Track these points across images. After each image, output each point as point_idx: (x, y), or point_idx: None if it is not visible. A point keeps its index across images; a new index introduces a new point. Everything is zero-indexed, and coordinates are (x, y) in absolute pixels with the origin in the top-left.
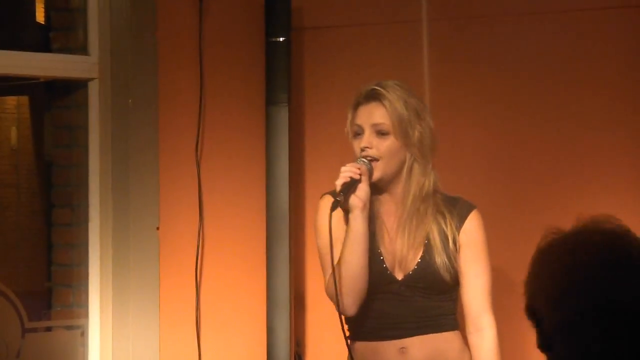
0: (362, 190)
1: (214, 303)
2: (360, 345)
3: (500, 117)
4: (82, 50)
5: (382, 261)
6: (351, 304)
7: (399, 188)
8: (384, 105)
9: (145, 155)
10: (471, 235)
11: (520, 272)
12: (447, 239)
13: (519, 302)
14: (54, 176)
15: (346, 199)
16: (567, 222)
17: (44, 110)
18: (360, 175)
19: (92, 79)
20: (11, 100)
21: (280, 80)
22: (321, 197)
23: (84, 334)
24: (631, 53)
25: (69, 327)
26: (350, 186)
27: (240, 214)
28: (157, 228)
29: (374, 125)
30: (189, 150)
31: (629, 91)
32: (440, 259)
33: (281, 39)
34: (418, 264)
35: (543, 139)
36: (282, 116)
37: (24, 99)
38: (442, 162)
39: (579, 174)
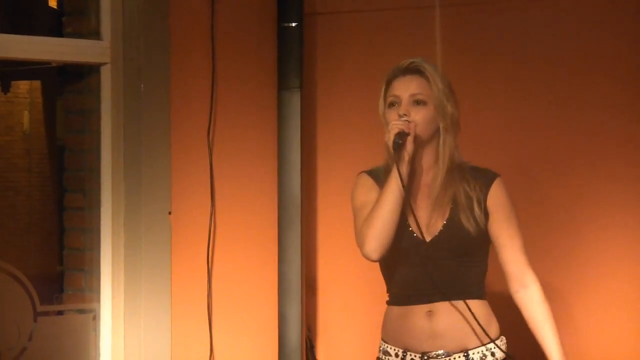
0: (410, 145)
1: (225, 288)
2: (392, 310)
3: (514, 102)
4: (95, 35)
5: (408, 225)
6: (376, 248)
7: (430, 156)
8: (423, 77)
9: (157, 140)
10: (498, 199)
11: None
12: (472, 201)
13: None
14: (66, 160)
15: (394, 149)
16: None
17: (56, 94)
18: (409, 130)
19: (105, 63)
20: (24, 85)
21: (293, 65)
22: (358, 175)
23: (95, 318)
24: None
25: (81, 311)
26: (403, 136)
27: (252, 199)
28: (169, 213)
29: (412, 95)
30: (201, 135)
31: None
32: (465, 217)
33: (293, 24)
34: (444, 225)
35: (558, 124)
36: (294, 101)
37: (37, 84)
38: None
39: (594, 157)
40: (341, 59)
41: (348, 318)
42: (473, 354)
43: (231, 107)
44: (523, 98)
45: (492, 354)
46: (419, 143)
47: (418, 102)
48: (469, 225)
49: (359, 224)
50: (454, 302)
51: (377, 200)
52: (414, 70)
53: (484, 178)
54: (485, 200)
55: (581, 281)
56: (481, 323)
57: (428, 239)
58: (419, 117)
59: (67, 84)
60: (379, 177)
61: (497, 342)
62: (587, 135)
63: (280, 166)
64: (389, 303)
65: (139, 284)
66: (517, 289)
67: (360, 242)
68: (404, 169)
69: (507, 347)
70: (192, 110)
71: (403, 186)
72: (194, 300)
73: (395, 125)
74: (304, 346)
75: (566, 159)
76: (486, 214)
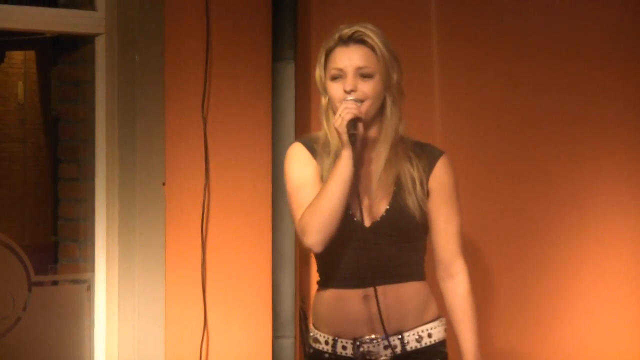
0: (360, 130)
1: (219, 258)
2: (326, 294)
3: (508, 90)
4: (89, 5)
5: (349, 207)
6: (320, 241)
7: (373, 131)
8: (368, 47)
9: (152, 111)
10: (441, 179)
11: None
12: (415, 182)
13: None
14: (60, 131)
15: (358, 134)
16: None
17: (50, 65)
18: (360, 113)
19: (99, 34)
20: (18, 55)
21: (287, 36)
22: (292, 145)
23: (89, 288)
24: None
25: (75, 281)
26: (356, 122)
27: (246, 170)
28: (163, 183)
29: (359, 69)
30: (195, 106)
31: None
32: (411, 201)
33: None
34: (387, 210)
35: (552, 114)
36: (289, 73)
37: (31, 54)
38: (453, 135)
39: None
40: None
41: None
42: (408, 336)
43: (225, 78)
44: (518, 84)
45: (429, 335)
46: (368, 120)
47: (364, 76)
48: (414, 209)
49: (296, 206)
50: (391, 285)
51: (324, 189)
52: (357, 39)
53: (428, 156)
54: (427, 181)
55: (581, 280)
56: (418, 304)
57: (368, 223)
58: (368, 91)
59: (61, 54)
60: (314, 148)
61: (436, 322)
62: (589, 127)
63: (275, 135)
64: (320, 286)
65: (133, 254)
66: (442, 277)
67: (301, 231)
68: (351, 155)
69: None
70: (187, 81)
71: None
72: (188, 270)
73: (347, 110)
74: (298, 317)
75: (569, 150)
76: (427, 193)
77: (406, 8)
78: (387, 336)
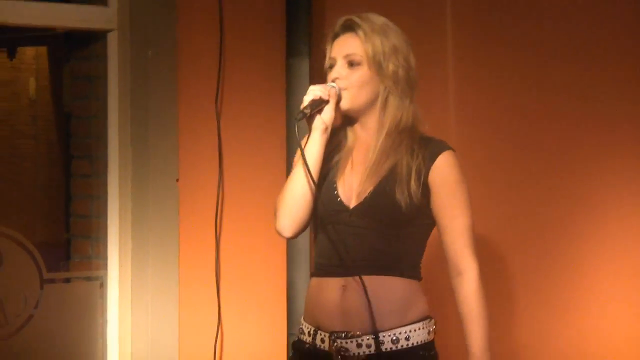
0: (327, 112)
1: (233, 255)
2: (312, 282)
3: (524, 89)
4: (101, 0)
5: (335, 188)
6: (288, 226)
7: (372, 121)
8: (357, 35)
9: (165, 107)
10: (441, 174)
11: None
12: (411, 173)
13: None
14: (72, 127)
15: (312, 116)
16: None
17: (62, 61)
18: (328, 97)
19: (111, 30)
20: (29, 51)
21: (301, 31)
22: None
23: (102, 285)
24: None
25: (88, 279)
26: (318, 105)
27: (260, 167)
28: (177, 180)
29: (346, 56)
30: (208, 102)
31: None
32: (400, 189)
33: None
34: (371, 192)
35: (569, 114)
36: (303, 68)
37: (43, 50)
38: (466, 135)
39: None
40: None
41: None
42: (384, 336)
43: (239, 74)
44: (537, 86)
45: (407, 338)
46: (356, 107)
47: (352, 64)
48: (401, 197)
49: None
50: (371, 277)
51: (291, 174)
52: (348, 27)
53: (432, 149)
54: (427, 175)
55: (600, 279)
56: (401, 302)
57: (352, 205)
58: (353, 79)
59: (73, 50)
60: None
61: (418, 324)
62: (607, 127)
63: (289, 134)
64: (311, 274)
65: (147, 251)
66: (452, 275)
67: (274, 214)
68: (317, 142)
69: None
70: (200, 77)
71: (305, 164)
72: (202, 268)
73: (311, 90)
74: None
75: (586, 149)
76: (426, 190)
77: (422, 3)
78: (360, 334)
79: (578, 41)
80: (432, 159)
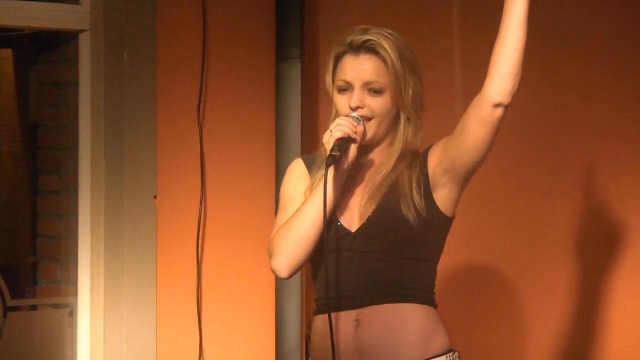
0: (353, 152)
1: (216, 281)
2: (317, 321)
3: (531, 92)
4: None
5: (333, 212)
6: (286, 265)
7: (384, 148)
8: (379, 58)
9: (142, 116)
10: (433, 151)
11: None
12: (412, 184)
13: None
14: (40, 138)
15: (342, 156)
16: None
17: (29, 65)
18: (356, 135)
19: (83, 30)
20: None
21: (292, 33)
22: (293, 161)
23: (72, 313)
24: None
25: (56, 306)
26: (345, 144)
27: (246, 183)
28: (155, 197)
29: (367, 84)
30: (190, 111)
31: None
32: (405, 203)
33: None
34: (374, 211)
35: (577, 115)
36: (294, 73)
37: (7, 52)
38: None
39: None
40: (344, 27)
41: None
42: None
43: (224, 79)
44: (544, 88)
45: None
46: (377, 138)
47: (374, 91)
48: (407, 212)
49: (277, 224)
50: (383, 306)
51: (298, 211)
52: (369, 49)
53: (424, 153)
54: (427, 177)
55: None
56: (418, 332)
57: (354, 228)
58: (377, 109)
59: (41, 53)
60: (313, 165)
61: (443, 357)
62: (615, 131)
63: (279, 145)
64: (314, 313)
65: (121, 275)
66: (477, 101)
67: (270, 251)
68: (340, 181)
69: None
70: (181, 83)
71: (325, 207)
72: (182, 294)
73: (339, 127)
74: (304, 346)
75: (595, 153)
76: (430, 189)
77: (419, 3)
78: None
79: (594, 45)
80: (425, 158)
